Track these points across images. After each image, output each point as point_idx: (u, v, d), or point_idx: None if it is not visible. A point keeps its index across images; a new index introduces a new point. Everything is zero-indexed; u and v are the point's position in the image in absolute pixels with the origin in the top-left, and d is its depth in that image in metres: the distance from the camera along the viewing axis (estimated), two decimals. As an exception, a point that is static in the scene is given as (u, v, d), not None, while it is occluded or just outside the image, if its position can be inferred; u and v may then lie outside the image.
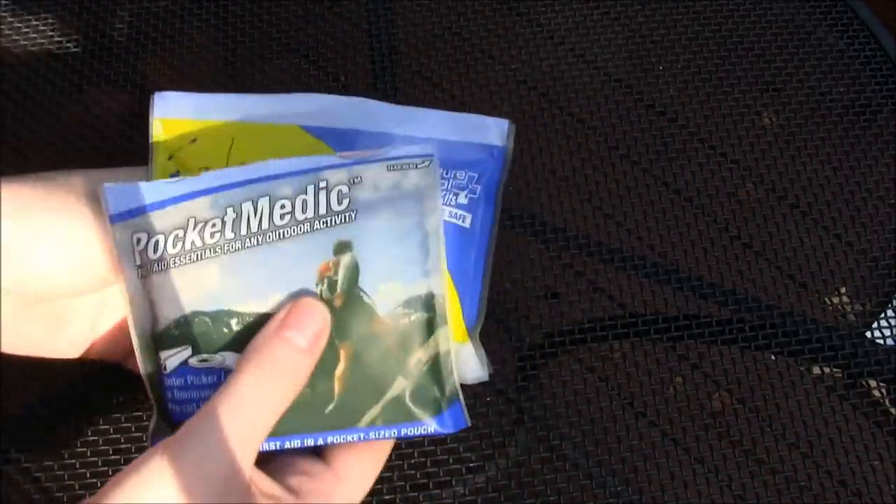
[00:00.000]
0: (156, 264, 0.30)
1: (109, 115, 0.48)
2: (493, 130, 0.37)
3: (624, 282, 0.44)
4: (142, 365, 0.31)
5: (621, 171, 0.47)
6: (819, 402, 0.41)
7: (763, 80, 0.50)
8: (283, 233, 0.30)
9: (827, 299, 0.44)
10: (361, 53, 0.50)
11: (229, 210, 0.30)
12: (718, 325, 0.42)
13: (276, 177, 0.31)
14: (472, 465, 0.39)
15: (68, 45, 0.50)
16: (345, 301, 0.31)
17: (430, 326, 0.31)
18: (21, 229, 0.30)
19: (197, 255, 0.30)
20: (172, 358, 0.31)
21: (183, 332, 0.30)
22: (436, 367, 0.32)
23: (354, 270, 0.31)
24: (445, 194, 0.35)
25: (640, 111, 0.49)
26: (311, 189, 0.31)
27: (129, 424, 0.40)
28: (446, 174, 0.36)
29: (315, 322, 0.30)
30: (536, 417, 0.41)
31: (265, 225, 0.30)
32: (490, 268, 0.36)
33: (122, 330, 0.35)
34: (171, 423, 0.31)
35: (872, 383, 0.42)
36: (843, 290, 0.44)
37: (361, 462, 0.32)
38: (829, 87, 0.50)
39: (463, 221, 0.35)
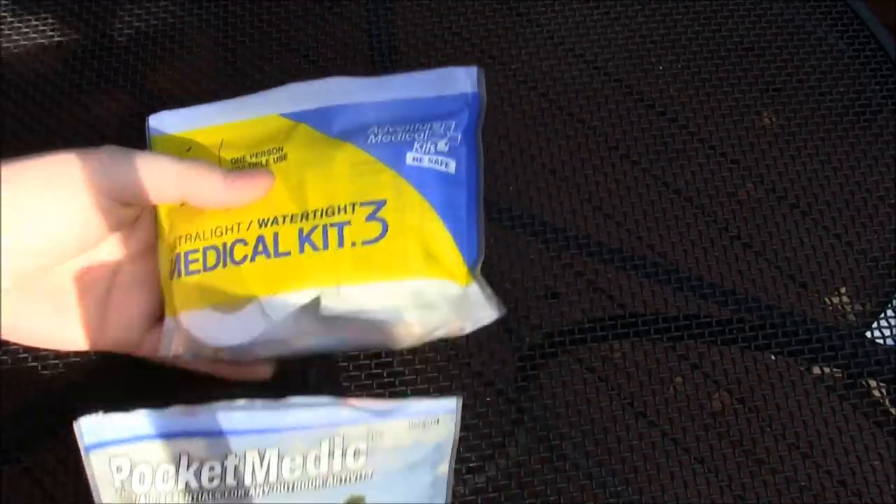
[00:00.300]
0: (143, 497, 0.29)
1: (109, 115, 0.48)
2: (464, 79, 0.39)
3: (624, 282, 0.44)
4: None
5: (621, 171, 0.47)
6: (819, 402, 0.41)
7: (763, 80, 0.50)
8: (292, 486, 0.29)
9: (827, 299, 0.44)
10: (361, 53, 0.50)
11: (230, 456, 0.29)
12: (718, 325, 0.42)
13: (287, 429, 0.29)
14: (472, 465, 0.39)
15: (68, 45, 0.50)
16: None
17: None
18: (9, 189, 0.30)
19: (192, 498, 0.29)
20: None
21: None
22: None
23: None
24: (424, 144, 0.36)
25: (640, 111, 0.49)
26: (325, 445, 0.29)
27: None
28: (422, 126, 0.37)
29: None
30: (536, 417, 0.41)
31: (272, 478, 0.29)
32: (482, 209, 0.37)
33: (134, 310, 0.35)
34: None
35: (872, 383, 0.42)
36: (843, 290, 0.44)
37: None
38: (829, 87, 0.50)
39: (447, 167, 0.36)
